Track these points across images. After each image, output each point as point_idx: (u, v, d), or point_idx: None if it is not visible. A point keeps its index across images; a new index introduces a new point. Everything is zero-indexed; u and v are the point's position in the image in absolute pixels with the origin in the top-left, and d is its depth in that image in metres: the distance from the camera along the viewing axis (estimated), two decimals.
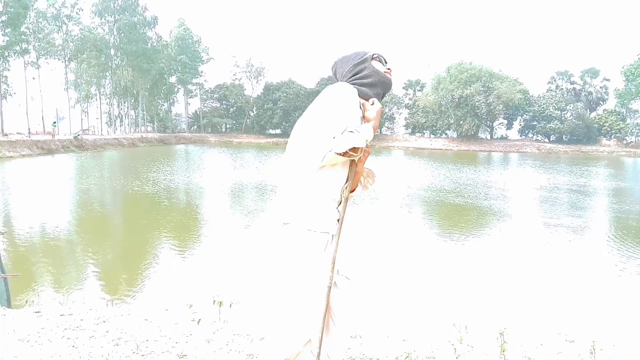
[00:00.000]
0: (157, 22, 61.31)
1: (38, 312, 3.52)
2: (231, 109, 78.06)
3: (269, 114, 72.56)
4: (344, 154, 1.81)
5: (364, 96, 1.97)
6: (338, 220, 1.93)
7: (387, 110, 70.72)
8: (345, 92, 1.90)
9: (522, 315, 5.71)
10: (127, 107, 64.73)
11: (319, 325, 1.89)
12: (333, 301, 1.99)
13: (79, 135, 43.94)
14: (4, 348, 2.75)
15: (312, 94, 70.43)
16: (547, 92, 70.40)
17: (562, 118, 65.99)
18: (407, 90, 74.58)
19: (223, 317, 3.42)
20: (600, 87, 69.25)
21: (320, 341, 1.91)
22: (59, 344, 2.84)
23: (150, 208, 13.67)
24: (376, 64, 2.04)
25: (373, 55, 2.05)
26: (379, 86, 2.01)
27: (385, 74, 2.04)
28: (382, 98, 2.05)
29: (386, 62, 2.08)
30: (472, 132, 65.18)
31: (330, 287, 1.88)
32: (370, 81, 2.00)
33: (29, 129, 43.07)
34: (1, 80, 42.96)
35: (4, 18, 39.89)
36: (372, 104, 1.95)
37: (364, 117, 1.94)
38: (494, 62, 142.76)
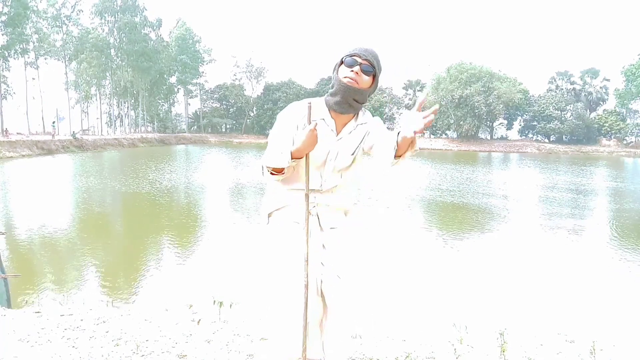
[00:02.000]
0: (161, 24, 61.47)
1: (38, 312, 3.52)
2: (231, 109, 78.10)
3: (269, 114, 72.61)
4: (273, 173, 1.96)
5: (329, 107, 1.99)
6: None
7: (387, 110, 70.77)
8: (280, 114, 2.05)
9: (522, 315, 5.71)
10: (127, 108, 64.73)
11: (301, 322, 1.90)
12: (327, 299, 2.01)
13: (77, 134, 43.81)
14: (4, 348, 2.75)
15: (312, 94, 70.50)
16: (547, 92, 70.45)
17: (562, 118, 66.02)
18: (407, 90, 74.62)
19: (223, 318, 3.42)
20: (600, 88, 69.29)
21: (304, 338, 1.91)
22: (59, 344, 2.84)
23: (150, 208, 13.67)
24: (341, 70, 1.95)
25: (342, 58, 1.95)
26: (339, 93, 1.94)
27: (345, 78, 1.92)
28: (348, 105, 1.94)
29: (359, 59, 1.90)
30: (472, 133, 65.22)
31: (307, 284, 1.91)
32: (332, 90, 1.98)
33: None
34: (1, 81, 42.92)
35: (3, 18, 39.88)
36: (315, 125, 1.87)
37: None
38: (494, 62, 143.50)
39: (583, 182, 23.16)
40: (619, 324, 5.55)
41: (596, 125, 65.78)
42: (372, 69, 1.92)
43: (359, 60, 1.91)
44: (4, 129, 40.45)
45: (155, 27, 60.85)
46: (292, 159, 1.89)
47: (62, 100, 58.76)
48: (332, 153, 2.00)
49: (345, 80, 1.91)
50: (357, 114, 2.03)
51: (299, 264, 1.94)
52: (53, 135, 40.29)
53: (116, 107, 66.04)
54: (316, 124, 1.88)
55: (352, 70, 1.90)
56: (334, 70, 1.99)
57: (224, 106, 78.22)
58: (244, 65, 77.82)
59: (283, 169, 1.93)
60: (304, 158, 1.94)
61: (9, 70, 45.26)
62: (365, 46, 1.96)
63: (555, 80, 72.03)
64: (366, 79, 1.93)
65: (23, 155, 31.31)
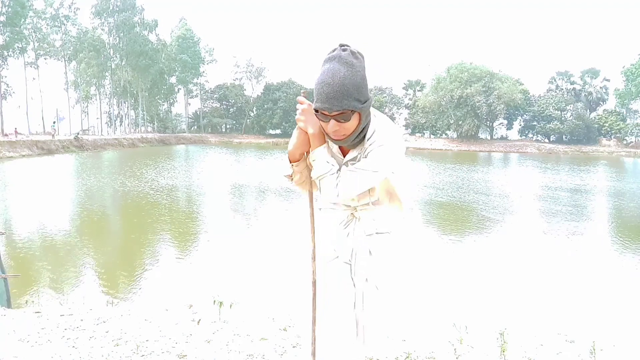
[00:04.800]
0: (157, 24, 61.34)
1: (38, 312, 3.51)
2: (231, 109, 78.06)
3: (269, 114, 72.53)
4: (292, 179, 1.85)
5: None
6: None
7: (387, 110, 70.69)
8: None
9: (522, 315, 5.71)
10: (127, 107, 64.73)
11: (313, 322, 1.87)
12: (361, 310, 1.93)
13: (78, 134, 43.88)
14: (4, 348, 2.75)
15: (312, 94, 70.38)
16: (547, 92, 70.40)
17: (562, 118, 65.97)
18: (407, 90, 74.56)
19: (223, 317, 3.42)
20: (600, 88, 69.23)
21: (313, 338, 1.86)
22: (59, 344, 2.84)
23: (150, 208, 13.66)
24: (320, 120, 1.65)
25: (314, 106, 1.62)
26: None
27: (329, 133, 1.64)
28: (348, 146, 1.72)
29: (327, 114, 1.57)
30: (472, 133, 65.17)
31: (315, 282, 1.83)
32: None
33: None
34: (1, 80, 42.92)
35: (2, 18, 39.87)
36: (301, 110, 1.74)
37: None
38: (494, 62, 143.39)
39: (583, 182, 23.15)
40: (619, 324, 5.55)
41: (596, 125, 65.72)
42: (349, 116, 1.56)
43: (329, 115, 1.57)
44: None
45: (152, 28, 60.69)
46: (290, 162, 1.73)
47: (62, 100, 58.88)
48: (341, 177, 1.71)
49: (331, 136, 1.64)
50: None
51: (325, 264, 1.89)
52: (53, 136, 40.29)
53: (116, 107, 66.03)
54: (303, 108, 1.70)
55: (330, 129, 1.60)
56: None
57: (224, 106, 78.15)
58: (244, 65, 77.87)
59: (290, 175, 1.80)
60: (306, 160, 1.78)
61: (8, 69, 45.31)
62: (327, 82, 1.56)
63: (555, 80, 71.99)
64: (350, 124, 1.58)
65: (23, 155, 31.31)
